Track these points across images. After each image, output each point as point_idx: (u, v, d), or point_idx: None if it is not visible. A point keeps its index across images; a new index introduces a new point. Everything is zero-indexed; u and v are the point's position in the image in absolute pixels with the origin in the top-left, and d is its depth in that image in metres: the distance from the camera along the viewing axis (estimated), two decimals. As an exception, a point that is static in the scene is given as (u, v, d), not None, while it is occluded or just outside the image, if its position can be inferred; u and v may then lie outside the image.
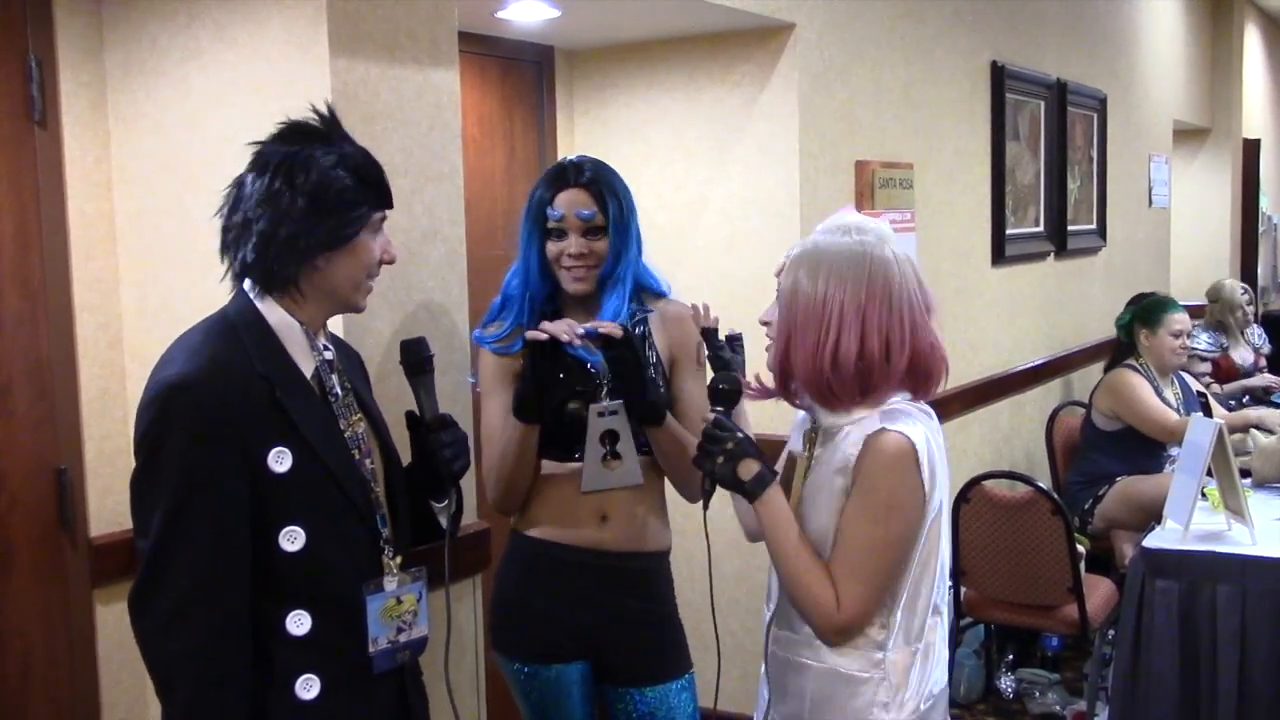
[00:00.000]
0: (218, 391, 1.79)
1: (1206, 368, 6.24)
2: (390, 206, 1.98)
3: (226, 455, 1.79)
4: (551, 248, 2.42)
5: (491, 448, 2.48)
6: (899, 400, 1.99)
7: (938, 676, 2.05)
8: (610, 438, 2.40)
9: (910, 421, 1.94)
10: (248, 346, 1.86)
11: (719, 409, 2.06)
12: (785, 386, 2.03)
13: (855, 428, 1.96)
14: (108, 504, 2.63)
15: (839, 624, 1.94)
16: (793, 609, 2.02)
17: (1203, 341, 6.34)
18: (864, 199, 4.08)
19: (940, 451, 1.99)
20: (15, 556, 2.48)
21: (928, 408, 2.03)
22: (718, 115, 3.83)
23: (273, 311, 1.90)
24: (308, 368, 1.92)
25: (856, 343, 1.93)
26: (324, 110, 1.96)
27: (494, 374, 2.50)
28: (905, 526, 1.93)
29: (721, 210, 3.84)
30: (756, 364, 2.29)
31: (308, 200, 1.84)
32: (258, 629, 1.83)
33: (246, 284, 1.91)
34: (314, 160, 1.86)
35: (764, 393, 2.17)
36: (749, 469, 1.98)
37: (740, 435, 2.01)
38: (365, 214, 1.91)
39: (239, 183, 1.89)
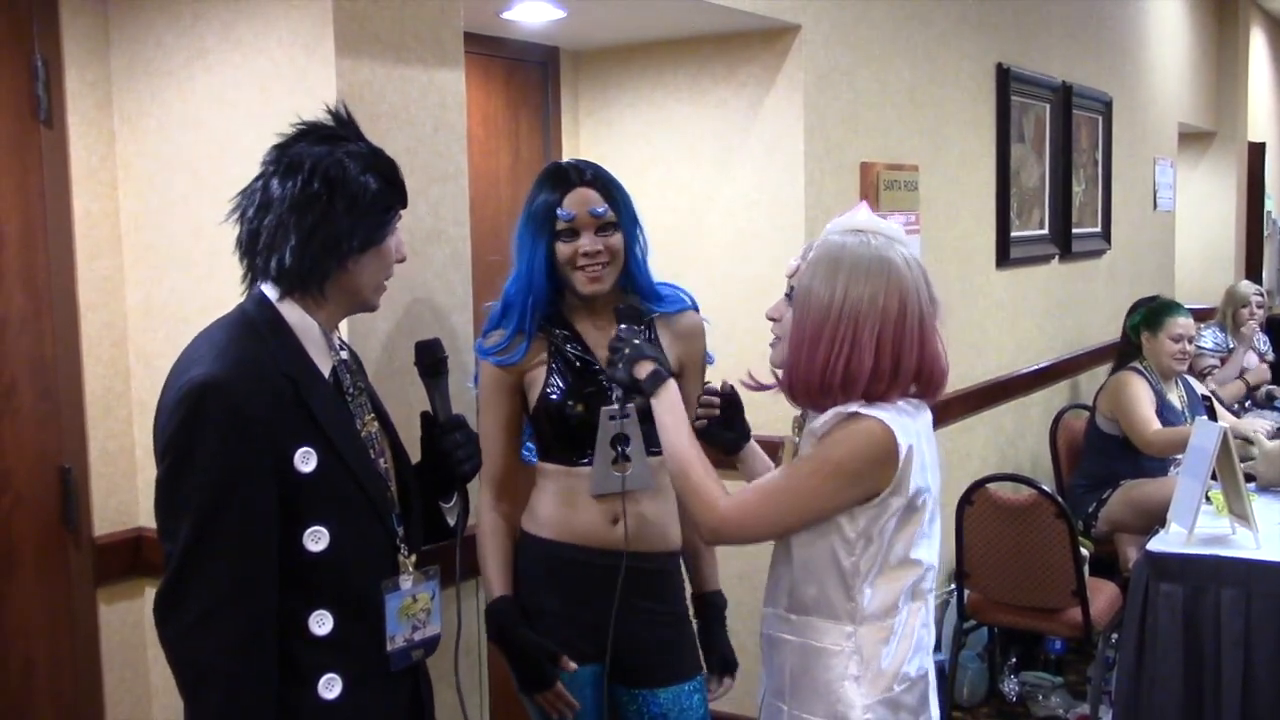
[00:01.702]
0: (248, 390, 1.78)
1: (1215, 362, 6.23)
2: (406, 205, 1.98)
3: (257, 455, 1.77)
4: (563, 249, 2.38)
5: (487, 457, 2.47)
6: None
7: (918, 662, 2.06)
8: (620, 441, 2.40)
9: (894, 413, 1.96)
10: (271, 345, 1.85)
11: (622, 325, 2.21)
12: (804, 395, 2.05)
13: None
14: (111, 503, 2.63)
15: (715, 519, 2.02)
16: (779, 588, 2.09)
17: (1209, 340, 6.34)
18: (869, 201, 4.07)
19: (929, 446, 2.02)
20: (19, 555, 2.48)
21: (918, 402, 2.05)
22: (723, 116, 3.83)
23: (292, 311, 1.89)
24: (325, 367, 1.91)
25: (871, 359, 1.95)
26: (340, 111, 1.96)
27: (493, 386, 2.47)
28: (832, 489, 1.96)
29: (727, 212, 3.84)
30: (748, 357, 2.30)
31: (347, 203, 1.84)
32: (281, 629, 1.82)
33: (266, 285, 1.90)
34: (347, 163, 1.86)
35: (760, 386, 2.24)
36: (644, 369, 2.11)
37: (637, 342, 2.14)
38: (394, 215, 1.92)
39: (265, 185, 1.87)
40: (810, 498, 1.97)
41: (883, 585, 2.01)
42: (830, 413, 1.97)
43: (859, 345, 1.94)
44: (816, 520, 1.99)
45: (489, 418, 2.48)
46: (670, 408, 2.09)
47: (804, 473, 1.98)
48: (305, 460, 1.82)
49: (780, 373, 2.09)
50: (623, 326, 2.23)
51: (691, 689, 2.51)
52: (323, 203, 1.83)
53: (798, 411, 2.16)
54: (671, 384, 2.12)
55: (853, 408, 1.95)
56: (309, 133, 1.91)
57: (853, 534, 1.99)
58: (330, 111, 1.96)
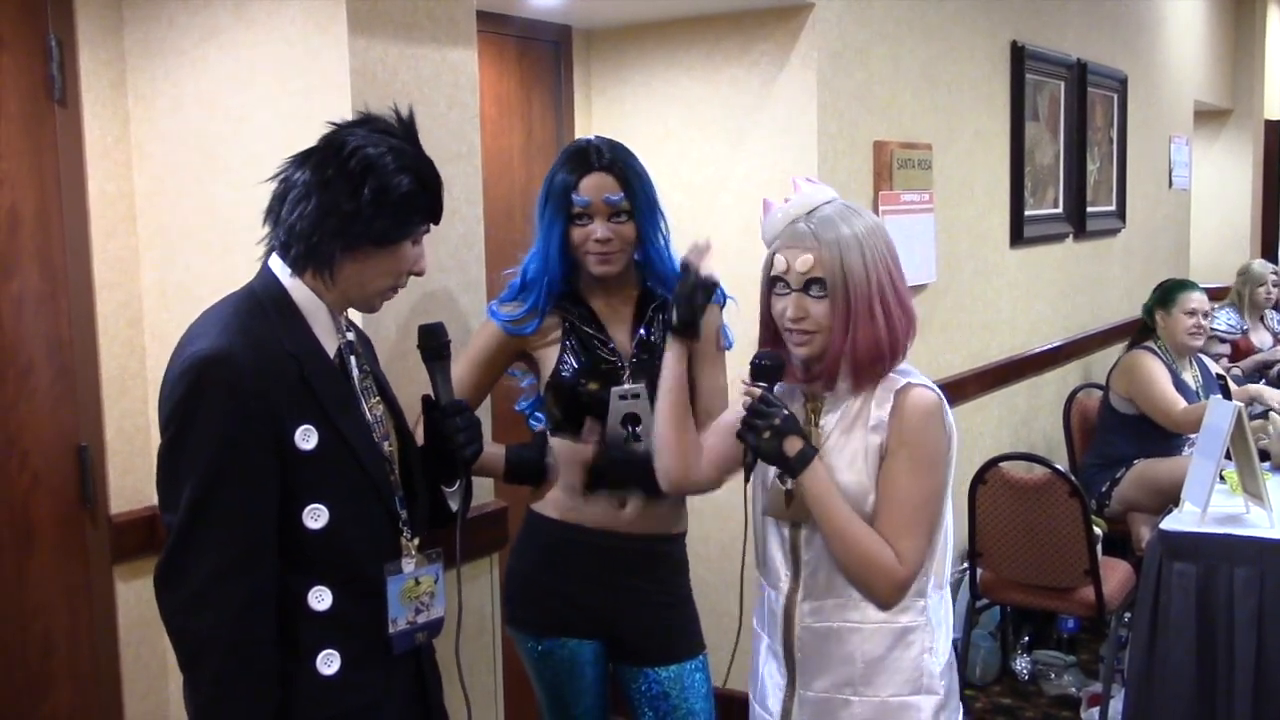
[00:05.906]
0: (251, 366, 1.79)
1: (1225, 349, 6.21)
2: (438, 222, 1.99)
3: (258, 429, 1.79)
4: (577, 233, 2.40)
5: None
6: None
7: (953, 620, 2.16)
8: (631, 420, 2.40)
9: (924, 377, 2.05)
10: (276, 324, 1.86)
11: (762, 384, 2.07)
12: (855, 373, 2.04)
13: (872, 388, 2.03)
14: (128, 482, 2.64)
15: (902, 580, 2.01)
16: (832, 578, 2.05)
17: (1222, 322, 6.31)
18: (882, 179, 4.07)
19: None
20: (37, 534, 2.50)
21: None
22: (736, 95, 3.82)
23: (299, 290, 1.90)
24: (330, 348, 1.92)
25: (912, 306, 2.05)
26: (404, 112, 1.97)
27: (487, 342, 2.48)
28: (946, 475, 2.04)
29: (739, 191, 3.83)
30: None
31: (374, 192, 1.85)
32: (281, 603, 1.84)
33: (275, 261, 1.91)
34: (388, 157, 1.87)
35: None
36: (794, 445, 2.02)
37: (786, 412, 2.04)
38: (417, 223, 1.93)
39: (307, 155, 1.89)
40: (939, 495, 2.03)
41: (943, 553, 2.07)
42: (883, 393, 2.01)
43: (902, 297, 2.03)
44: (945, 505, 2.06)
45: (463, 364, 2.41)
46: (822, 487, 2.01)
47: (921, 482, 2.00)
48: (306, 438, 1.83)
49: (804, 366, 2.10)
50: (763, 387, 2.06)
51: (693, 668, 2.54)
52: (354, 182, 1.84)
53: (801, 399, 2.15)
54: (819, 462, 2.02)
55: (900, 379, 2.02)
56: (366, 121, 1.94)
57: None
58: (395, 110, 1.97)
